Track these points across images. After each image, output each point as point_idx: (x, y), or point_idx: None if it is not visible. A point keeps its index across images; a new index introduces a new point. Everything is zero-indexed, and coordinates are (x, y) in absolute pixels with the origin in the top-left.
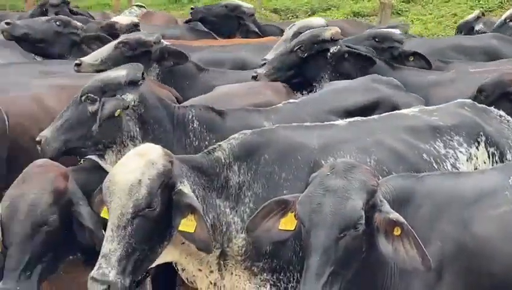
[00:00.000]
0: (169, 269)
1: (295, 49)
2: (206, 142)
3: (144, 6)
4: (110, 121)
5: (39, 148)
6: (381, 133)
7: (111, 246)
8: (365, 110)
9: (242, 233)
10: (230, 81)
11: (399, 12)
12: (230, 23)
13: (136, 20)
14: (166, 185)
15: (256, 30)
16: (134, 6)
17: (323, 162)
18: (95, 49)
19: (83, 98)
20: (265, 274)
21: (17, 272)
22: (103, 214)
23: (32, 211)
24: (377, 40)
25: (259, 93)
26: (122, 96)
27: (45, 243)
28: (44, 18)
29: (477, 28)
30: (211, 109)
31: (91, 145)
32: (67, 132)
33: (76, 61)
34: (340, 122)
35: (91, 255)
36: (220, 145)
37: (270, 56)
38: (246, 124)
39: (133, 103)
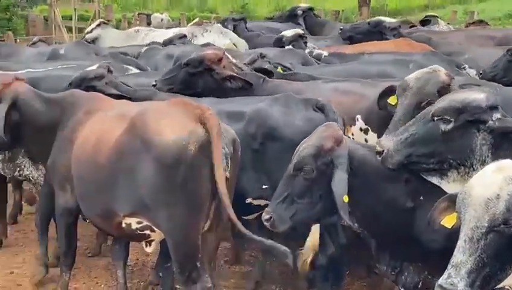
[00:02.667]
0: None
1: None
2: None
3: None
4: (463, 142)
5: (379, 158)
6: None
7: (462, 257)
8: None
9: None
10: None
11: None
12: (374, 38)
13: (301, 31)
14: None
15: None
16: None
17: None
18: None
19: (436, 117)
20: None
21: (277, 201)
22: (443, 222)
23: (297, 156)
24: (510, 53)
25: None
26: (483, 119)
27: (301, 187)
28: None
29: None
30: None
31: (435, 163)
32: (411, 146)
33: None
34: None
35: None
36: None
37: None
38: None
39: (491, 128)
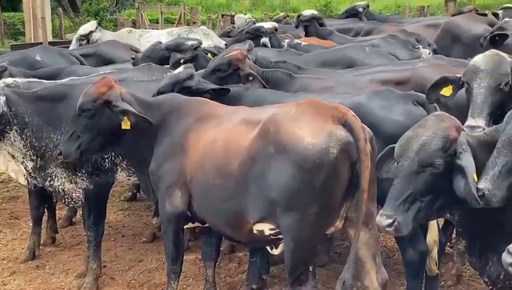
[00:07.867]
0: None
1: None
2: None
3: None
4: None
5: (480, 201)
6: None
7: None
8: None
9: None
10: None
11: None
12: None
13: (276, 25)
14: None
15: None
16: None
17: None
18: None
19: None
20: None
21: (397, 202)
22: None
23: (422, 151)
24: None
25: None
26: None
27: (426, 184)
28: None
29: None
30: None
31: None
32: (509, 176)
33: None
34: None
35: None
36: None
37: None
38: None
39: None
